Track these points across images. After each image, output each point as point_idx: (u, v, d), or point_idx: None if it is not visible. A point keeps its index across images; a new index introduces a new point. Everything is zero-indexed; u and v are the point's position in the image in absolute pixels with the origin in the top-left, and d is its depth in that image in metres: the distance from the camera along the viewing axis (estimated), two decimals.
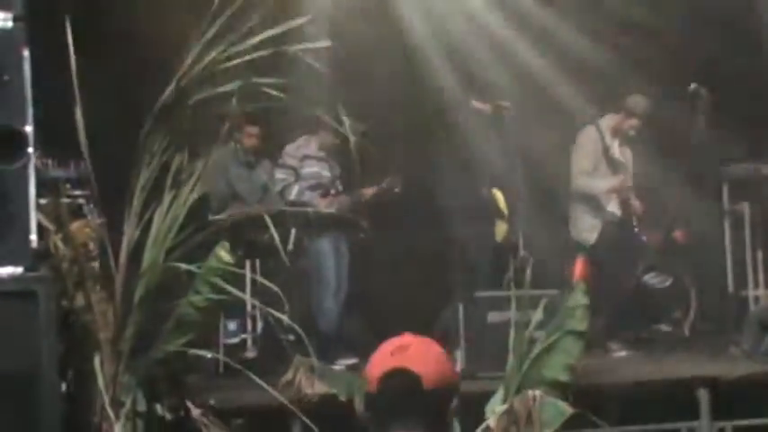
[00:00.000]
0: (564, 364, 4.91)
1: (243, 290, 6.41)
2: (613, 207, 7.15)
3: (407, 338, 2.37)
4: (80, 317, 4.31)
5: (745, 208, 7.73)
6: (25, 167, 3.77)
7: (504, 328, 5.26)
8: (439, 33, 7.41)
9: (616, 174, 7.13)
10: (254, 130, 6.84)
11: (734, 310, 7.18)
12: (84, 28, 4.39)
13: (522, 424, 4.63)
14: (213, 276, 4.42)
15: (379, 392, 2.26)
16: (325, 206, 6.79)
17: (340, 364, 6.24)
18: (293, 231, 6.61)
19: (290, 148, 6.97)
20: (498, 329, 5.41)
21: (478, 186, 7.09)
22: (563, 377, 4.89)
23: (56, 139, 4.62)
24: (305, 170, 6.89)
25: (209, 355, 5.76)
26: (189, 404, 4.45)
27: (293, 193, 6.82)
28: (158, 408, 4.44)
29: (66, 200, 4.62)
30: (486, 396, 5.00)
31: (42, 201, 4.23)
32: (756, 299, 7.53)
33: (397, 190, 7.00)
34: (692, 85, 6.82)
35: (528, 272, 5.06)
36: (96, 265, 4.38)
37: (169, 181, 4.39)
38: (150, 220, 4.45)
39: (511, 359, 5.01)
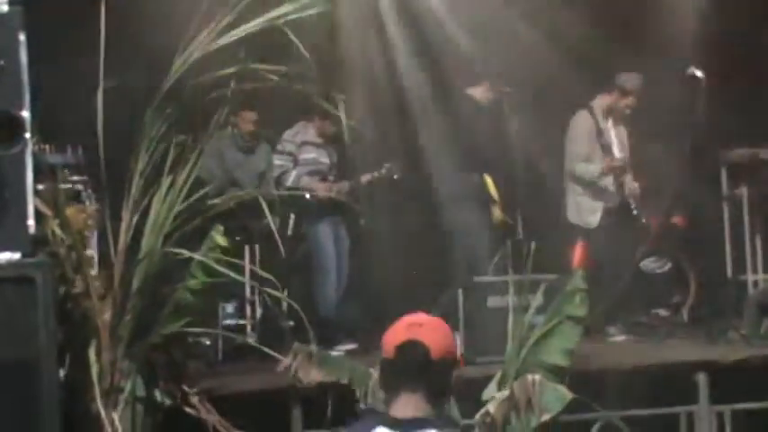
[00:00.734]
0: (563, 349, 4.92)
1: (242, 276, 6.44)
2: (612, 190, 7.11)
3: (421, 316, 2.83)
4: (78, 303, 4.30)
5: (744, 192, 7.73)
6: (22, 153, 3.75)
7: (503, 313, 5.26)
8: (433, 18, 7.38)
9: (610, 156, 7.08)
10: (251, 115, 6.82)
11: (732, 294, 7.18)
12: (84, 13, 4.38)
13: (522, 409, 4.64)
14: (209, 260, 4.42)
15: (394, 358, 2.72)
16: (322, 192, 6.78)
17: (339, 350, 6.24)
18: (292, 217, 6.60)
19: (288, 134, 6.95)
20: (498, 314, 5.40)
21: (471, 172, 7.08)
22: (562, 362, 4.89)
23: (54, 125, 4.62)
24: (303, 156, 6.88)
25: (208, 342, 5.77)
26: (186, 390, 4.45)
27: (290, 180, 6.81)
28: (157, 393, 4.44)
29: (64, 185, 4.62)
30: (486, 381, 5.00)
31: (40, 186, 4.21)
32: (755, 283, 7.54)
33: (395, 176, 6.99)
34: (690, 68, 6.78)
35: (527, 256, 5.06)
36: (94, 250, 4.37)
37: (167, 166, 4.38)
38: (149, 206, 4.44)
39: (510, 344, 5.02)
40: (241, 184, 6.76)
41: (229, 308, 6.60)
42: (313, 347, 4.96)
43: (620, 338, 6.86)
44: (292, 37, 4.21)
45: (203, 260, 4.44)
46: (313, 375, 4.81)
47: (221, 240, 4.45)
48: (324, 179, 6.90)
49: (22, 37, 3.77)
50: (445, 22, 7.41)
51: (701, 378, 5.60)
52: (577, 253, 6.14)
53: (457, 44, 7.32)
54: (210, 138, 4.78)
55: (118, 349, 4.31)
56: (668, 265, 7.33)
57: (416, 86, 7.38)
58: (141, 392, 4.37)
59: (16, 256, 3.72)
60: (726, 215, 7.70)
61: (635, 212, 7.12)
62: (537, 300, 5.16)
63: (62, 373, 4.07)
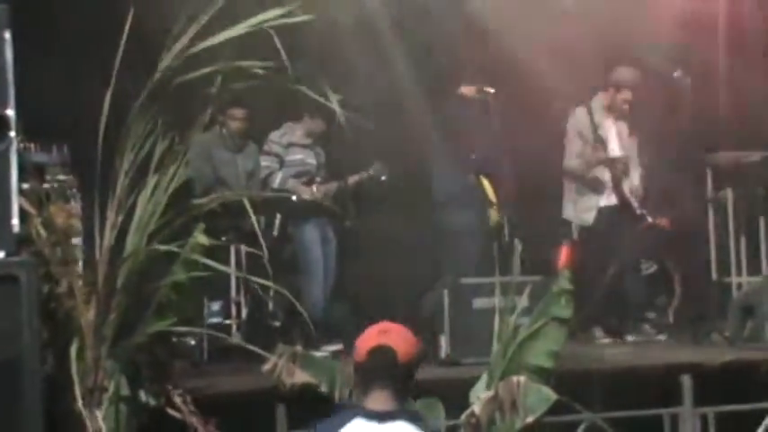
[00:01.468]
0: (548, 351, 4.92)
1: (227, 277, 6.42)
2: (608, 188, 7.03)
3: (389, 324, 3.34)
4: (62, 302, 4.28)
5: (729, 195, 7.77)
6: (7, 151, 3.73)
7: (489, 314, 5.25)
8: (426, 17, 7.38)
9: (605, 153, 7.01)
10: (238, 112, 6.81)
11: (717, 296, 7.21)
12: (68, 12, 4.36)
13: (506, 410, 4.64)
14: (191, 258, 4.40)
15: (366, 361, 3.21)
16: (309, 194, 6.78)
17: (325, 350, 6.24)
18: (278, 217, 6.59)
19: (274, 136, 6.95)
20: (484, 316, 5.41)
21: (465, 173, 7.07)
22: (547, 363, 4.89)
23: (39, 124, 4.59)
24: (289, 158, 6.88)
25: (193, 342, 5.76)
26: (170, 390, 4.44)
27: (277, 181, 6.81)
28: (142, 393, 4.43)
29: (49, 185, 4.60)
30: (471, 382, 5.01)
31: (25, 185, 4.20)
32: (739, 286, 7.57)
33: (383, 177, 6.98)
34: (677, 72, 6.81)
35: (515, 258, 5.06)
36: (79, 249, 4.36)
37: (153, 165, 4.37)
38: (134, 205, 4.43)
39: (495, 345, 5.02)
40: (228, 183, 6.75)
41: (215, 306, 6.58)
42: (298, 348, 4.95)
43: (606, 340, 6.87)
44: (277, 43, 4.20)
45: (187, 256, 4.42)
46: (297, 377, 4.80)
47: (203, 239, 4.44)
48: (311, 180, 6.89)
49: (7, 35, 3.75)
50: (438, 20, 7.42)
51: (686, 380, 5.61)
52: (563, 254, 6.13)
53: (448, 43, 7.34)
54: (197, 137, 4.77)
55: (101, 348, 4.29)
56: (653, 267, 7.36)
57: (407, 86, 7.38)
58: (125, 392, 4.36)
59: (0, 254, 3.70)
60: (711, 218, 7.73)
61: (638, 212, 7.02)
62: (523, 301, 5.17)
63: (45, 371, 4.06)
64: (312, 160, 6.94)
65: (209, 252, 4.56)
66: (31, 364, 3.68)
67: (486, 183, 7.08)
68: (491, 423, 4.63)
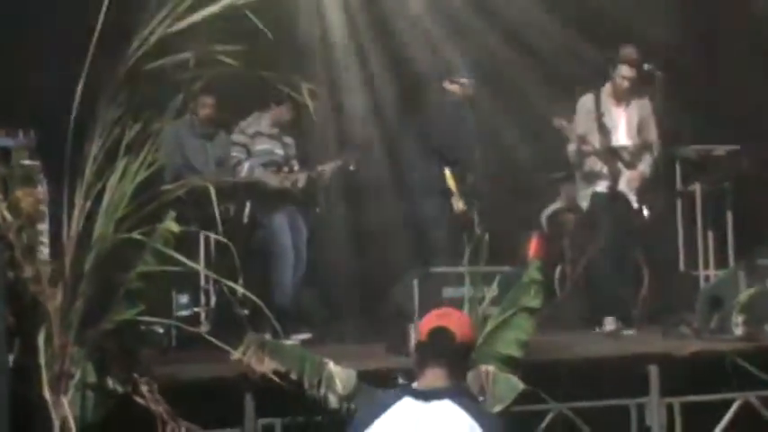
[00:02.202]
0: (517, 340, 4.95)
1: (196, 263, 6.38)
2: (604, 175, 6.86)
3: (450, 310, 3.67)
4: (29, 288, 4.24)
5: (697, 188, 7.83)
6: None
7: (458, 303, 5.26)
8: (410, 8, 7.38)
9: (607, 138, 6.83)
10: (208, 100, 6.77)
11: (685, 288, 7.26)
12: None
13: None
14: (161, 246, 4.37)
15: (426, 341, 3.42)
16: (277, 182, 6.75)
17: (295, 339, 6.22)
18: (248, 205, 6.56)
19: (241, 125, 6.93)
20: (453, 305, 5.40)
21: (432, 164, 7.08)
22: (516, 353, 4.92)
23: (4, 108, 4.54)
24: (256, 147, 6.85)
25: (161, 330, 5.72)
26: (137, 378, 4.40)
27: (244, 171, 6.77)
28: (109, 381, 4.40)
29: (15, 169, 4.55)
30: None
31: None
32: (707, 278, 7.64)
33: (352, 167, 6.97)
34: (647, 65, 6.83)
35: (483, 248, 5.07)
36: (45, 235, 4.31)
37: (122, 150, 4.33)
38: (103, 191, 4.39)
39: None
40: (198, 171, 6.71)
41: (183, 299, 6.54)
42: (267, 337, 4.93)
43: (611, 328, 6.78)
44: (253, 18, 4.18)
45: (156, 246, 4.39)
46: (266, 365, 4.79)
47: (173, 226, 4.41)
48: (279, 170, 6.86)
49: None
50: (413, 11, 7.42)
51: (653, 370, 5.65)
52: (533, 244, 6.14)
53: (424, 35, 7.34)
54: (168, 123, 4.73)
55: (68, 335, 4.25)
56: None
57: (378, 77, 7.38)
58: (92, 379, 4.32)
59: None
60: (679, 210, 7.78)
61: (635, 205, 6.86)
62: (492, 291, 5.19)
63: (11, 358, 4.02)
64: (279, 150, 6.91)
65: (178, 240, 4.53)
66: None
67: (448, 173, 7.05)
68: None
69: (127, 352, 4.48)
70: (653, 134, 6.95)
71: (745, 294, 6.04)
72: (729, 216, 7.82)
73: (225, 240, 4.87)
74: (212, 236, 6.50)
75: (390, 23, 7.54)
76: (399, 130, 7.29)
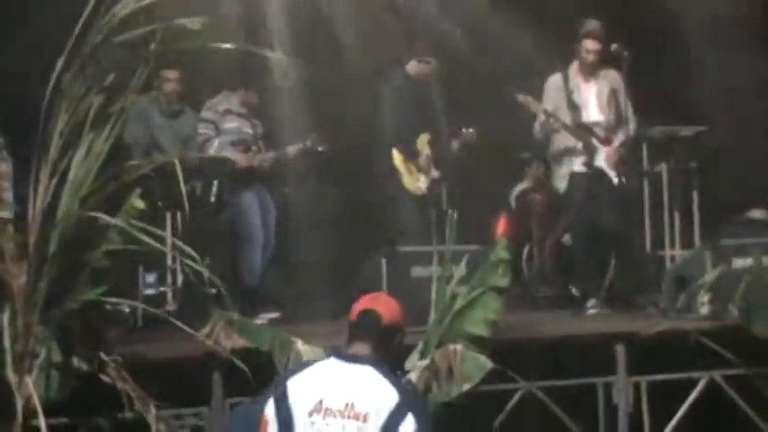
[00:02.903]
0: (485, 320, 4.95)
1: (163, 243, 6.33)
2: (582, 154, 6.81)
3: (381, 294, 4.35)
4: None
5: (664, 169, 7.86)
6: None
7: (427, 282, 5.27)
8: None
9: (576, 114, 6.78)
10: (171, 74, 6.69)
11: (651, 269, 7.30)
12: None
13: (442, 377, 4.67)
14: (126, 224, 4.32)
15: (356, 321, 3.78)
16: (244, 162, 6.71)
17: (262, 318, 6.20)
18: (215, 184, 6.51)
19: (210, 103, 6.86)
20: (421, 284, 5.42)
21: (399, 143, 7.06)
22: (484, 332, 4.92)
23: None
24: (226, 125, 6.79)
25: (127, 309, 5.68)
26: (103, 358, 4.37)
27: (213, 148, 6.71)
28: (75, 360, 4.36)
29: None
30: (408, 350, 5.02)
31: None
32: (672, 258, 7.69)
33: (321, 148, 6.94)
34: (614, 46, 6.82)
35: (451, 227, 5.07)
36: (9, 210, 4.25)
37: (87, 126, 4.27)
38: (67, 169, 4.33)
39: (433, 314, 5.03)
40: (164, 149, 6.65)
41: (150, 278, 6.50)
42: (235, 315, 4.91)
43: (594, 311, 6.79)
44: None
45: (121, 225, 4.34)
46: (235, 341, 4.77)
47: (139, 204, 4.36)
48: (247, 149, 6.81)
49: None
50: None
51: (620, 349, 5.69)
52: (500, 224, 6.15)
53: (390, 14, 7.30)
54: (134, 100, 4.67)
55: (33, 314, 4.21)
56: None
57: (348, 56, 7.34)
58: (58, 358, 4.28)
59: None
60: (646, 191, 7.82)
61: (615, 181, 6.82)
62: (460, 270, 5.19)
63: None
64: (249, 129, 6.86)
65: (144, 218, 4.48)
66: None
67: (396, 153, 6.97)
68: (427, 390, 4.65)
69: (92, 331, 4.44)
70: (628, 109, 6.92)
71: (710, 274, 6.08)
72: (695, 196, 7.87)
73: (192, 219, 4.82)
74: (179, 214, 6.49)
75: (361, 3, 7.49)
76: (367, 108, 7.25)
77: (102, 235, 4.42)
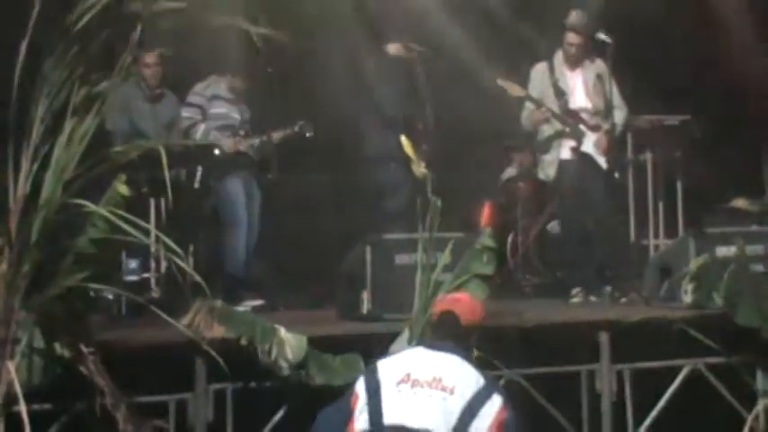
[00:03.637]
0: None
1: (147, 231, 6.29)
2: (569, 141, 6.77)
3: (462, 296, 4.51)
4: None
5: (648, 158, 7.88)
6: None
7: (411, 270, 5.27)
8: None
9: (562, 101, 6.74)
10: (150, 57, 6.63)
11: (635, 257, 7.32)
12: None
13: None
14: (110, 211, 4.30)
15: (437, 321, 4.18)
16: (231, 147, 6.67)
17: (246, 306, 6.18)
18: (200, 170, 6.48)
19: (198, 87, 6.81)
20: (406, 272, 5.41)
21: (386, 130, 7.02)
22: None
23: None
24: (213, 110, 6.75)
25: (111, 296, 5.65)
26: (82, 349, 4.34)
27: (199, 133, 6.67)
28: (57, 346, 4.33)
29: None
30: (393, 337, 5.02)
31: None
32: (656, 247, 7.71)
33: (308, 134, 6.90)
34: (599, 33, 6.81)
35: (434, 215, 5.06)
36: None
37: (70, 111, 4.24)
38: (49, 154, 4.30)
39: (417, 301, 5.03)
40: (147, 135, 6.60)
41: (133, 263, 6.46)
42: (218, 303, 4.89)
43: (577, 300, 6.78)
44: None
45: (105, 215, 4.31)
46: (215, 331, 4.75)
47: (123, 190, 4.33)
48: (234, 135, 6.78)
49: None
50: None
51: (603, 337, 5.70)
52: (485, 212, 6.14)
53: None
54: (116, 86, 4.63)
55: (15, 300, 4.18)
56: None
57: (333, 42, 7.29)
58: (40, 344, 4.26)
59: None
60: (630, 180, 7.83)
61: (604, 167, 6.77)
62: (445, 257, 5.19)
63: None
64: (236, 115, 6.82)
65: (128, 205, 4.46)
66: None
67: (405, 141, 6.98)
68: None
69: (75, 317, 4.42)
70: (616, 97, 6.90)
71: (694, 263, 6.09)
72: (679, 185, 7.90)
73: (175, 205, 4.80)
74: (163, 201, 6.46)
75: None
76: (353, 95, 7.21)
77: (85, 220, 4.39)
